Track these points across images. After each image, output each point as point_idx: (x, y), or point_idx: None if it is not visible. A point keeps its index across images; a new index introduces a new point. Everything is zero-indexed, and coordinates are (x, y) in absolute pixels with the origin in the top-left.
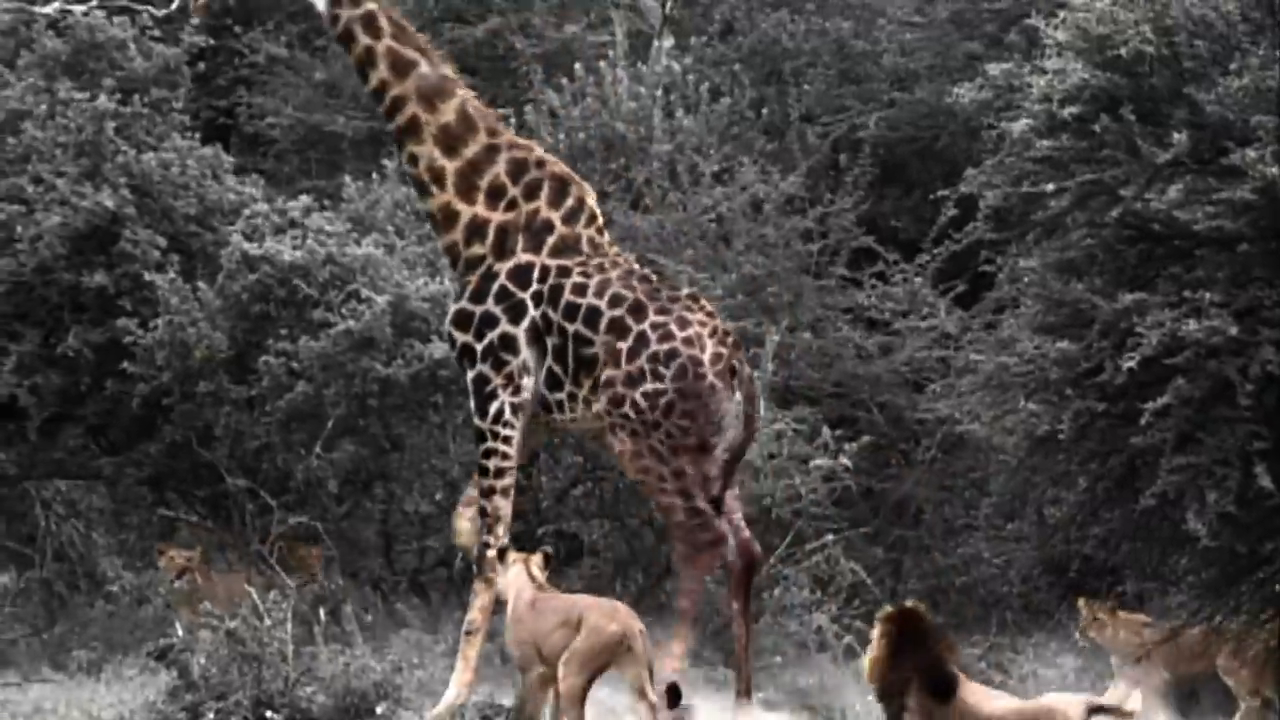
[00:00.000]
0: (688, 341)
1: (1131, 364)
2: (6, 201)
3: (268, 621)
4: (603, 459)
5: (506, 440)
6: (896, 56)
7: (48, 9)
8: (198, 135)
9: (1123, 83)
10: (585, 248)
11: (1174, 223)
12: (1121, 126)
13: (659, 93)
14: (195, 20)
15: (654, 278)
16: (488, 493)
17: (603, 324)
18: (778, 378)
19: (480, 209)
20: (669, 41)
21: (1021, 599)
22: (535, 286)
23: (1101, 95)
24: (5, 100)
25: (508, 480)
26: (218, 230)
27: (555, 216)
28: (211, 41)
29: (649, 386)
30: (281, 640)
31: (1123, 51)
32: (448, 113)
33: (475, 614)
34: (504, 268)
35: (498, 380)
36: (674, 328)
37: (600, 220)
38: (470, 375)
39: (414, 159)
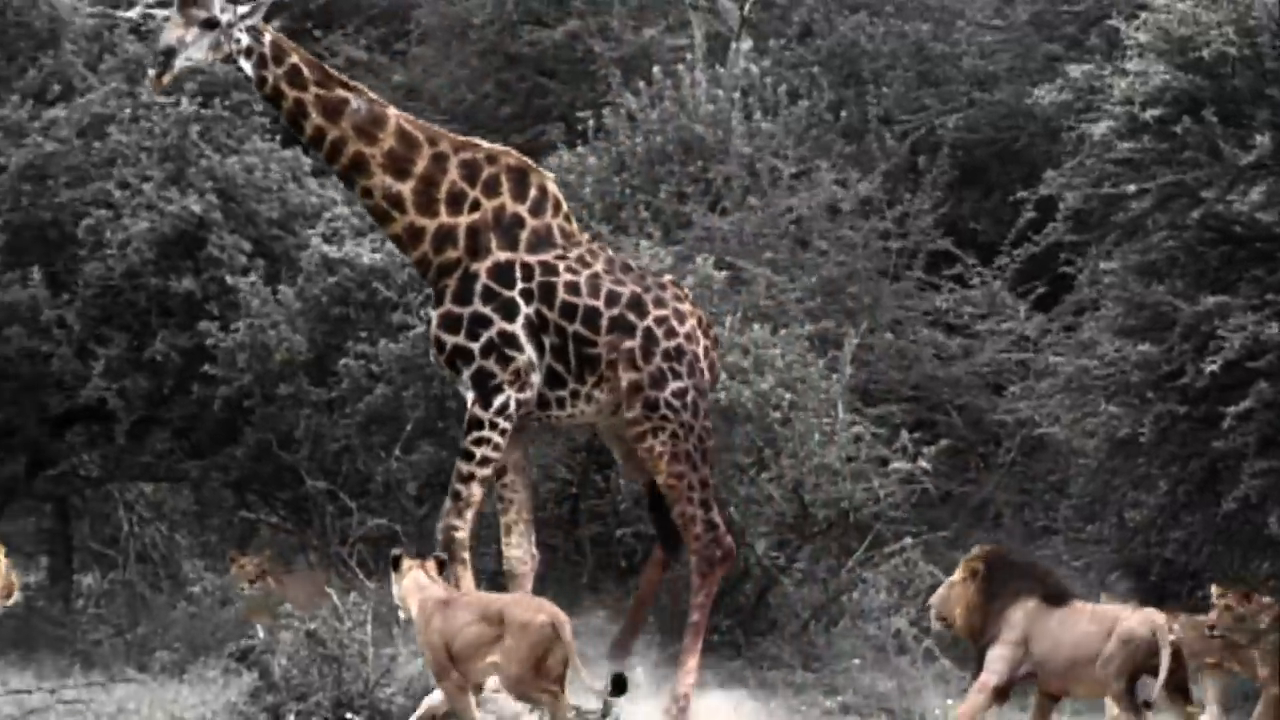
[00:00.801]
0: (689, 337)
1: (1213, 367)
2: (95, 206)
3: (348, 623)
4: None
5: (502, 433)
6: (976, 58)
7: (130, 13)
8: (278, 138)
9: (1205, 84)
10: (559, 239)
11: (1256, 225)
12: (1203, 128)
13: (737, 95)
14: (275, 23)
15: (633, 264)
16: (467, 478)
17: (604, 323)
18: (856, 380)
19: (445, 218)
20: (747, 44)
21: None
22: (522, 284)
23: (1183, 97)
24: (90, 105)
25: (489, 471)
26: (299, 234)
27: (523, 210)
28: None
29: (675, 385)
30: (361, 642)
31: (1205, 53)
32: (387, 139)
33: None
34: (483, 267)
35: (504, 375)
36: (675, 323)
37: (566, 207)
38: (468, 373)
39: (368, 192)
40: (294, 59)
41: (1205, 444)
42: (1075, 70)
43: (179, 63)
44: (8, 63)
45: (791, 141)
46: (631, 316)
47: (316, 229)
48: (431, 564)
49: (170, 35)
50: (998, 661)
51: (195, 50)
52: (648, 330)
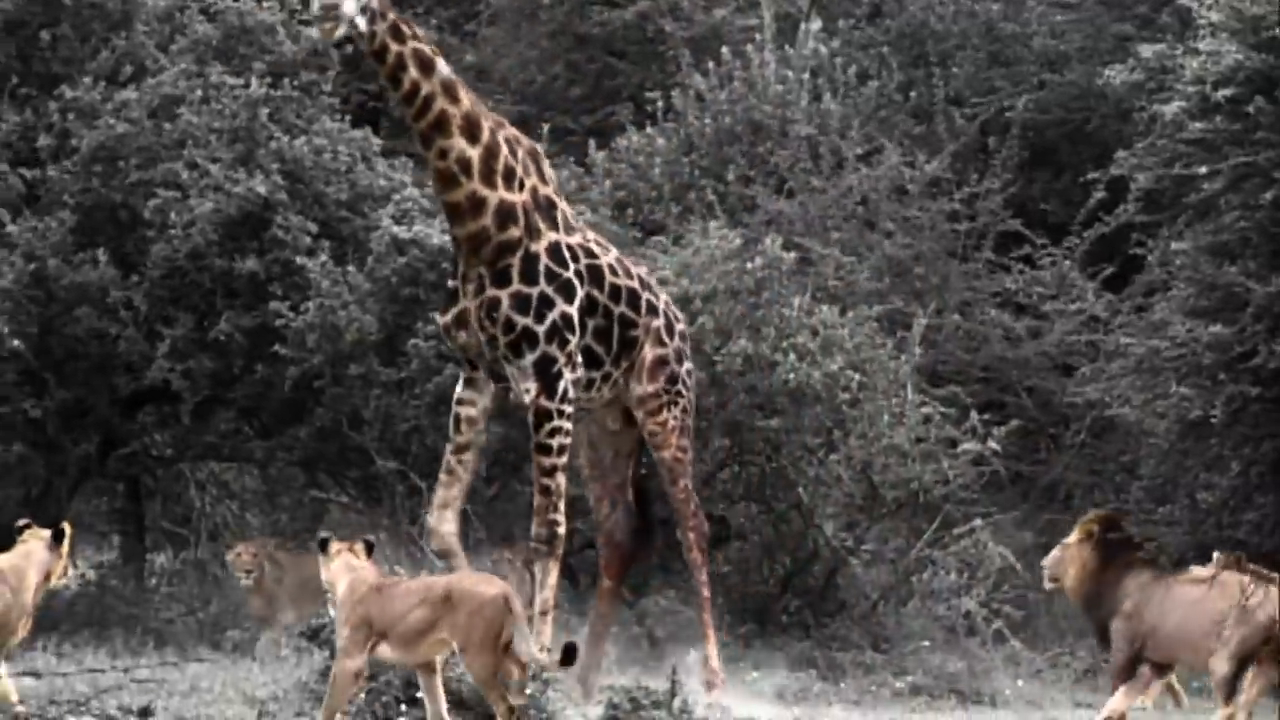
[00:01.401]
0: (676, 316)
1: None
2: (163, 187)
3: None
4: (750, 443)
5: (570, 419)
6: (1046, 38)
7: None
8: (347, 119)
9: (1277, 64)
10: (574, 222)
11: None
12: (1276, 108)
13: (805, 76)
14: None
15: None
16: (550, 471)
17: (642, 304)
18: (925, 361)
19: (503, 192)
20: (817, 24)
21: None
22: (573, 265)
23: (1256, 77)
24: (160, 86)
25: (567, 458)
26: (367, 215)
27: (550, 192)
28: None
29: (688, 364)
30: None
31: (1277, 32)
32: (465, 101)
33: (549, 593)
34: (541, 248)
35: (563, 360)
36: (668, 301)
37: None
38: (531, 359)
39: (443, 153)
40: (393, 15)
41: (1277, 425)
42: (1147, 50)
43: (345, 10)
44: (80, 44)
45: (858, 122)
46: (653, 296)
47: (386, 210)
48: (360, 546)
49: None
50: (1119, 640)
51: (347, 5)
52: (666, 308)
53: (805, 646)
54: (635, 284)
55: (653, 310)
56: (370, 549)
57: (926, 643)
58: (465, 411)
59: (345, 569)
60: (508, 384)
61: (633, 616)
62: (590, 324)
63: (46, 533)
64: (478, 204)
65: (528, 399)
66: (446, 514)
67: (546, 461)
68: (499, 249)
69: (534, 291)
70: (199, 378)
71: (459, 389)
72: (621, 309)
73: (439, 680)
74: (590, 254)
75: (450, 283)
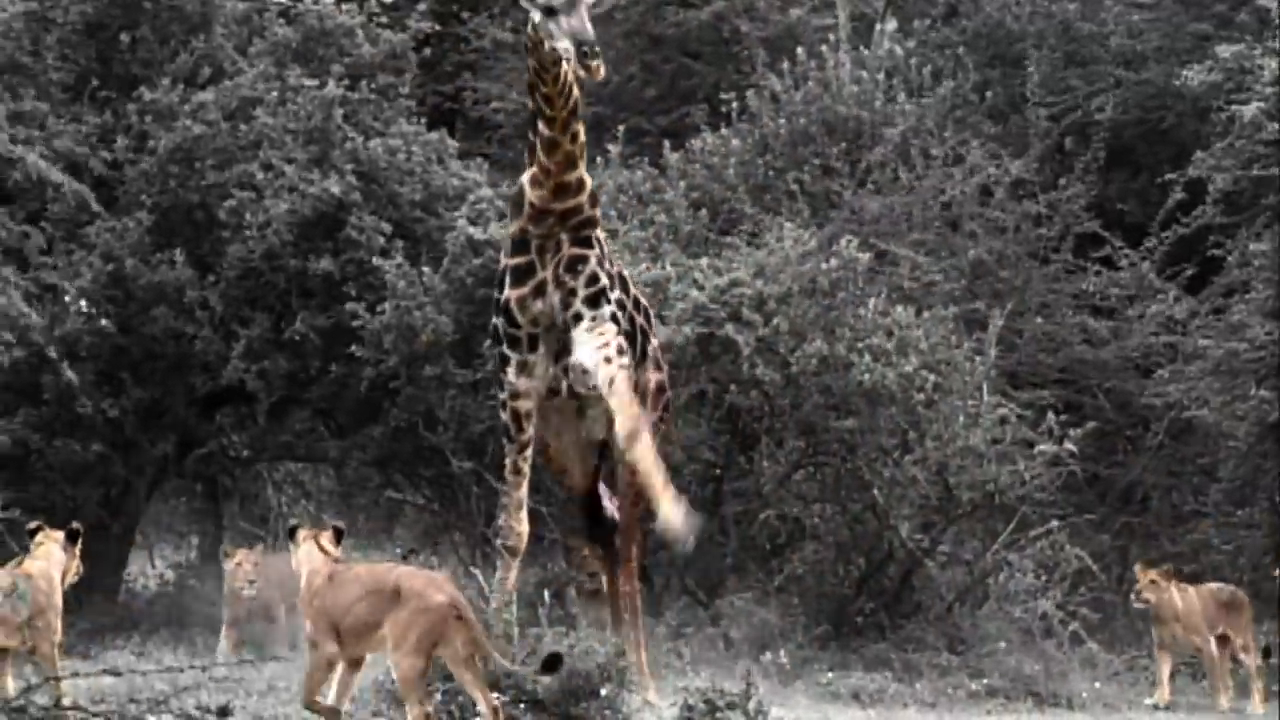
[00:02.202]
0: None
1: None
2: (238, 188)
3: (494, 603)
4: (825, 444)
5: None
6: (1124, 38)
7: None
8: (423, 120)
9: None
10: None
11: None
12: None
13: (881, 76)
14: (422, 6)
15: None
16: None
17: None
18: (1005, 363)
19: (587, 179)
20: (892, 24)
21: (1252, 587)
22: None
23: None
24: (238, 88)
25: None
26: (442, 216)
27: None
28: (437, 27)
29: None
30: (507, 622)
31: None
32: (575, 91)
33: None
34: (596, 236)
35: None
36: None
37: None
38: (608, 309)
39: (575, 136)
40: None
41: None
42: (1225, 50)
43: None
44: (160, 46)
45: (932, 123)
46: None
47: (460, 211)
48: (328, 535)
49: (583, 25)
50: None
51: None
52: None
53: (881, 648)
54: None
55: (646, 334)
56: (340, 536)
57: (1003, 645)
58: (523, 406)
59: (306, 558)
60: (562, 365)
61: (707, 617)
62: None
63: (60, 534)
64: (581, 183)
65: (596, 359)
66: (524, 514)
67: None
68: (587, 222)
69: (611, 266)
70: (274, 378)
71: (512, 382)
72: (641, 320)
73: (471, 674)
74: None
75: (514, 260)
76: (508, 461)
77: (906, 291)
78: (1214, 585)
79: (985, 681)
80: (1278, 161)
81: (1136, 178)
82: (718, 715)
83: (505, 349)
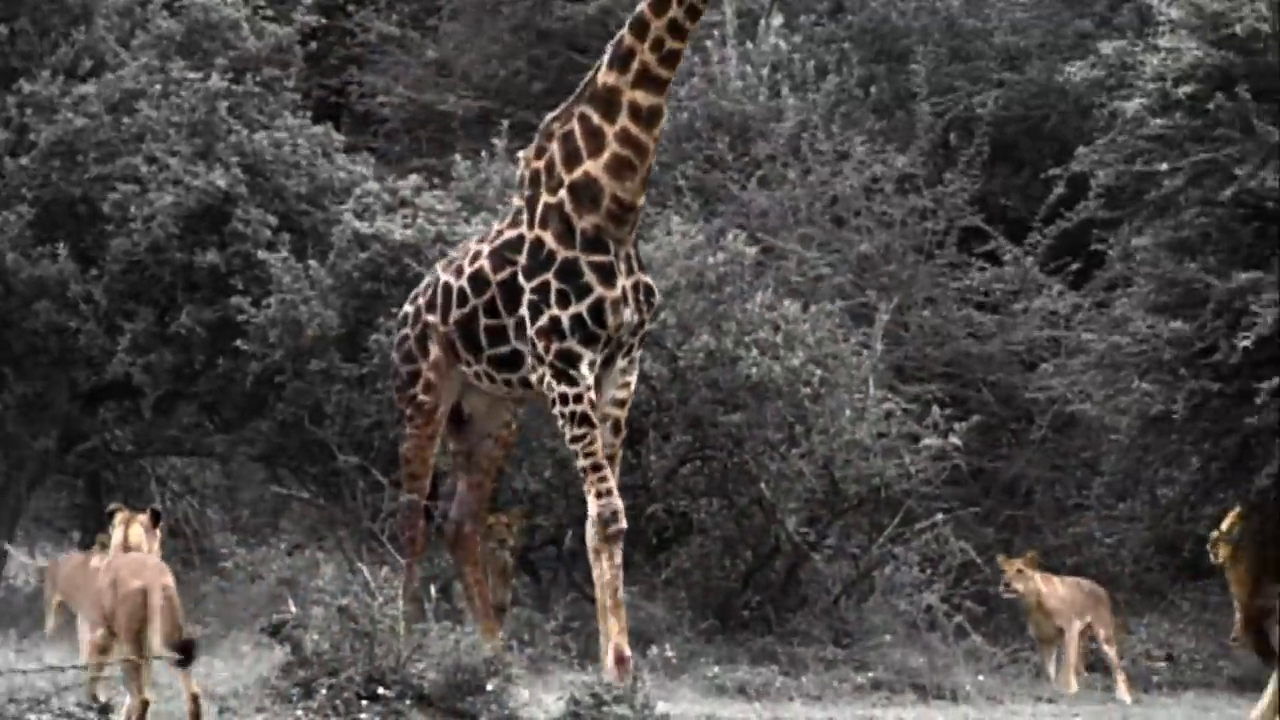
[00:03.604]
0: None
1: (1246, 343)
2: (122, 181)
3: (379, 599)
4: (712, 438)
5: None
6: (1007, 34)
7: None
8: (309, 114)
9: (1238, 61)
10: None
11: None
12: (1236, 105)
13: (766, 71)
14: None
15: None
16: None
17: None
18: (891, 358)
19: None
20: (778, 20)
21: (1133, 579)
22: None
23: (1216, 74)
24: (120, 80)
25: None
26: (328, 209)
27: None
28: (323, 20)
29: None
30: (393, 617)
31: (1237, 29)
32: None
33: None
34: None
35: None
36: None
37: None
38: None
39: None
40: None
41: (1238, 421)
42: (1107, 47)
43: None
44: (40, 38)
45: (819, 118)
46: None
47: (347, 205)
48: (143, 517)
49: None
50: None
51: None
52: None
53: (767, 641)
54: None
55: None
56: (157, 518)
57: (888, 638)
58: (594, 396)
59: (114, 546)
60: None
61: (591, 612)
62: None
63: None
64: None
65: (633, 377)
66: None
67: None
68: (636, 224)
69: None
70: (159, 372)
71: (586, 377)
72: None
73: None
74: None
75: (594, 258)
76: (594, 459)
77: (793, 286)
78: (1076, 578)
79: (870, 674)
80: (1159, 157)
81: (1020, 173)
82: (604, 709)
83: (576, 345)
